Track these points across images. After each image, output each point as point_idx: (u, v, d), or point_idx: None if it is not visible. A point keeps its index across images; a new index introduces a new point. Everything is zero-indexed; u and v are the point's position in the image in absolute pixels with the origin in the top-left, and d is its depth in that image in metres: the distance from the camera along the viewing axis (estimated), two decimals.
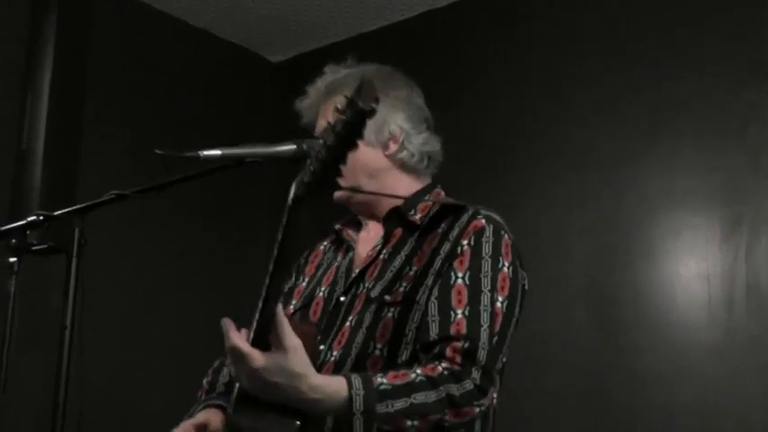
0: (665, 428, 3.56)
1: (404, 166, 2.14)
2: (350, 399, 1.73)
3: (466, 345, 1.83)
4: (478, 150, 4.19)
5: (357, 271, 2.06)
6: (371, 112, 1.49)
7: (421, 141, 2.15)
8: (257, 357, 1.69)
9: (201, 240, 4.84)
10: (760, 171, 3.58)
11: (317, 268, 2.24)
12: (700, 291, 3.63)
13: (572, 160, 4.07)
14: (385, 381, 1.78)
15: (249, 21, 4.96)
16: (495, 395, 1.94)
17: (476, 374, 1.82)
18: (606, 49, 4.10)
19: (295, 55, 5.30)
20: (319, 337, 1.97)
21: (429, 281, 1.94)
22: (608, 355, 3.78)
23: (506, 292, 1.94)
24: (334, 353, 1.96)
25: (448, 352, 1.83)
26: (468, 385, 1.81)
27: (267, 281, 1.70)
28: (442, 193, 2.18)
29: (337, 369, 1.92)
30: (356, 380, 1.76)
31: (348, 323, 1.98)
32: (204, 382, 2.27)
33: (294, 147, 2.03)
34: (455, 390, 1.79)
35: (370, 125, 2.04)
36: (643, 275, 3.78)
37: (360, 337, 1.94)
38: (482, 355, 1.84)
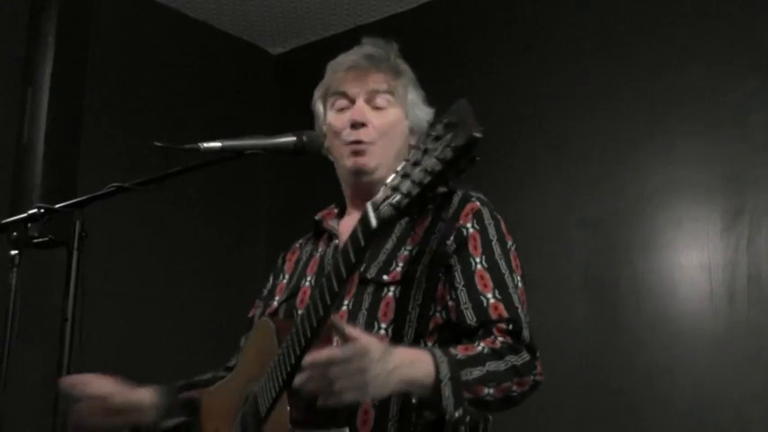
0: (667, 419, 3.56)
1: (409, 150, 2.14)
2: (436, 367, 1.74)
3: (510, 326, 1.89)
4: (479, 144, 4.18)
5: None
6: (478, 141, 1.50)
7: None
8: (372, 348, 1.66)
9: (202, 233, 4.85)
10: (760, 160, 3.58)
11: (297, 263, 2.22)
12: (701, 281, 3.63)
13: (571, 152, 4.07)
14: (458, 352, 1.81)
15: (249, 13, 4.95)
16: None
17: (525, 350, 1.87)
18: (605, 40, 4.10)
19: (295, 47, 5.30)
20: None
21: (425, 259, 1.95)
22: (609, 346, 3.78)
23: (519, 270, 2.00)
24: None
25: (496, 332, 1.88)
26: (525, 356, 1.86)
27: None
28: None
29: None
30: (435, 350, 1.78)
31: (345, 307, 1.97)
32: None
33: (294, 139, 2.03)
34: (516, 360, 1.83)
35: (421, 115, 2.11)
36: (644, 267, 3.78)
37: (361, 319, 1.94)
38: (526, 334, 1.90)
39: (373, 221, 1.59)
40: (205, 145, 1.95)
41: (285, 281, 2.22)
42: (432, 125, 1.55)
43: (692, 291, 3.65)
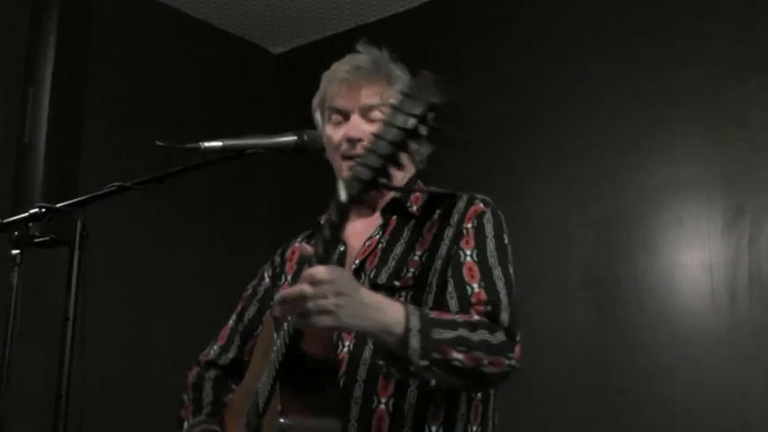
0: (668, 418, 3.56)
1: (412, 159, 2.18)
2: (406, 317, 1.75)
3: (489, 308, 1.89)
4: (479, 143, 4.19)
5: (358, 262, 2.05)
6: (435, 106, 1.51)
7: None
8: (344, 275, 1.72)
9: (203, 233, 4.85)
10: (762, 159, 3.58)
11: (300, 264, 2.22)
12: (702, 280, 3.62)
13: (572, 151, 4.07)
14: (431, 312, 1.83)
15: (250, 12, 4.95)
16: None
17: (502, 332, 1.86)
18: (605, 40, 4.09)
19: (296, 46, 5.30)
20: (337, 355, 1.98)
21: (437, 264, 1.97)
22: (610, 345, 3.78)
23: (513, 262, 2.01)
24: (347, 343, 1.96)
25: (473, 312, 1.88)
26: (501, 337, 1.85)
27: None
28: (420, 182, 2.22)
29: (353, 359, 1.94)
30: (408, 304, 1.81)
31: None
32: (185, 398, 2.25)
33: (295, 138, 2.04)
34: (490, 337, 1.83)
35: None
36: (645, 266, 3.78)
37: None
38: (505, 317, 1.89)
39: (343, 196, 1.63)
40: (206, 144, 1.95)
41: (288, 282, 2.22)
42: (394, 99, 1.57)
43: (693, 290, 3.65)
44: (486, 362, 1.80)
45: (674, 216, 3.75)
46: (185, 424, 2.18)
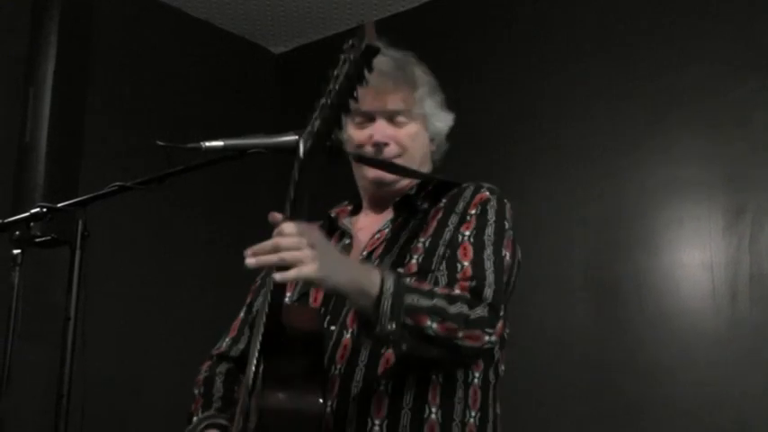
0: (669, 418, 3.56)
1: (432, 161, 2.24)
2: (382, 280, 1.76)
3: (473, 283, 1.89)
4: (479, 143, 4.19)
5: (365, 253, 2.08)
6: (377, 51, 1.55)
7: (444, 139, 2.24)
8: (316, 231, 1.74)
9: (204, 233, 4.85)
10: (762, 159, 3.58)
11: None
12: (703, 280, 3.63)
13: (572, 151, 4.07)
14: (409, 280, 1.85)
15: (251, 12, 4.96)
16: (505, 333, 2.03)
17: (483, 308, 1.86)
18: (606, 40, 4.09)
19: (297, 46, 5.30)
20: (328, 318, 2.00)
21: (440, 250, 1.98)
22: (610, 345, 3.78)
23: (510, 249, 2.03)
24: (350, 329, 1.97)
25: (456, 288, 1.89)
26: (480, 312, 1.85)
27: None
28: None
29: (356, 347, 1.95)
30: (387, 270, 1.82)
31: None
32: (196, 393, 2.25)
33: (296, 137, 2.03)
34: (467, 311, 1.83)
35: (440, 123, 2.16)
36: (645, 265, 3.78)
37: None
38: (488, 293, 1.89)
39: (300, 152, 1.71)
40: (207, 144, 1.95)
41: None
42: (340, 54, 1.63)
43: (693, 289, 3.65)
44: (461, 335, 1.81)
45: (674, 216, 3.75)
46: (194, 419, 2.19)
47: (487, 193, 2.07)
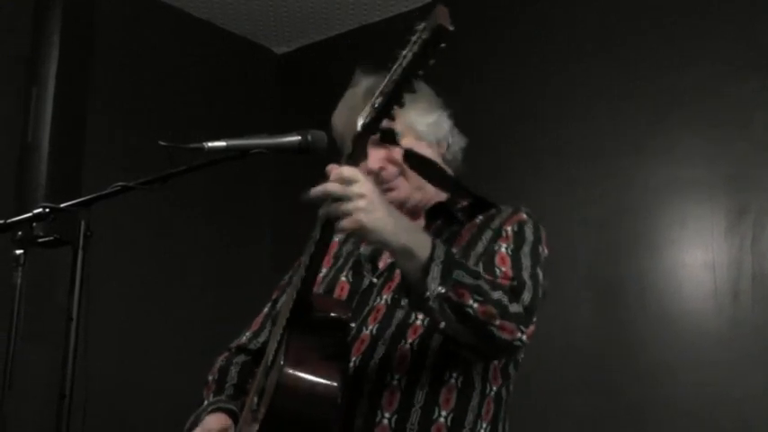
0: (671, 418, 3.56)
1: (446, 163, 2.22)
2: (433, 246, 1.75)
3: (513, 283, 1.88)
4: (482, 143, 4.18)
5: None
6: (448, 33, 1.60)
7: (458, 140, 2.25)
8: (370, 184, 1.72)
9: (206, 233, 4.85)
10: (765, 159, 3.58)
11: (336, 258, 2.24)
12: (705, 280, 3.63)
13: (574, 152, 4.07)
14: (458, 256, 1.83)
15: (253, 12, 4.96)
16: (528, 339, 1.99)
17: (520, 306, 1.84)
18: (607, 40, 4.09)
19: (299, 46, 5.30)
20: (350, 314, 1.99)
21: (472, 261, 1.97)
22: (612, 344, 3.79)
23: (544, 270, 2.01)
24: (370, 326, 1.98)
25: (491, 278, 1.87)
26: (517, 308, 1.83)
27: (314, 245, 1.76)
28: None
29: (374, 342, 1.96)
30: (437, 240, 1.79)
31: (383, 301, 2.01)
32: (209, 379, 2.28)
33: (299, 138, 2.04)
34: (508, 303, 1.81)
35: (429, 124, 2.14)
36: (648, 266, 3.78)
37: (400, 313, 1.97)
38: (527, 296, 1.88)
39: (358, 126, 1.70)
40: (209, 144, 1.95)
41: (322, 274, 2.22)
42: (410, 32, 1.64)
43: (696, 289, 3.65)
44: (497, 322, 1.78)
45: (676, 216, 3.75)
46: (205, 402, 2.20)
47: (525, 215, 2.08)
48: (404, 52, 1.62)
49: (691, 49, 3.83)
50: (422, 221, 2.15)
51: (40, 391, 3.42)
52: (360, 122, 1.69)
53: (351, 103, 2.11)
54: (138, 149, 4.14)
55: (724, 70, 3.72)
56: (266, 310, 2.35)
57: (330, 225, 1.73)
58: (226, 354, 2.32)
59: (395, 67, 1.62)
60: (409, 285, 1.79)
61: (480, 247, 2.01)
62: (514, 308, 1.82)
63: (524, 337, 1.84)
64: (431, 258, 1.73)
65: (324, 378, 1.76)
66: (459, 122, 2.24)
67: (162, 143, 1.93)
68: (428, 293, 1.73)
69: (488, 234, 2.03)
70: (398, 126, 2.06)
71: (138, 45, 4.70)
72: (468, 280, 1.76)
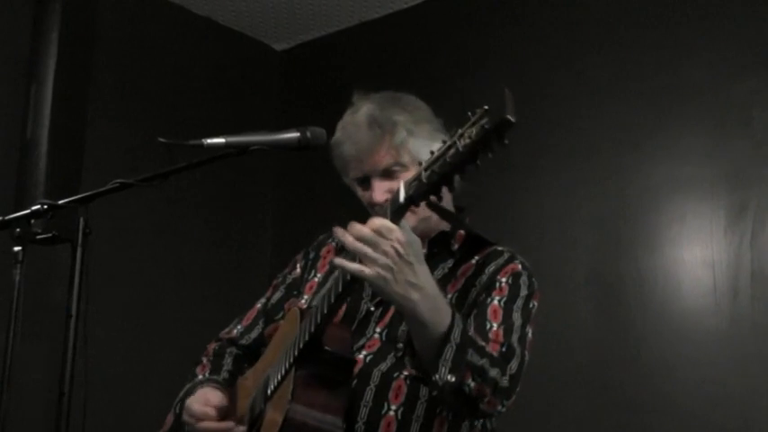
0: (670, 416, 3.56)
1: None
2: (451, 325, 1.75)
3: (504, 348, 1.88)
4: None
5: None
6: (511, 125, 1.57)
7: None
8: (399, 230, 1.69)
9: (206, 230, 4.85)
10: (764, 157, 3.57)
11: (332, 266, 2.22)
12: (705, 278, 3.62)
13: (575, 149, 4.06)
14: (471, 331, 1.83)
15: (253, 9, 4.95)
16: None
17: (507, 379, 1.85)
18: (608, 38, 4.09)
19: (300, 43, 5.29)
20: (354, 351, 2.00)
21: (465, 310, 1.97)
22: (612, 342, 3.78)
23: (533, 327, 2.00)
24: (363, 352, 1.98)
25: (489, 347, 1.87)
26: (505, 383, 1.84)
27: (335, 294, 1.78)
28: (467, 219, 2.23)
29: (368, 367, 1.96)
30: (457, 314, 1.79)
31: (377, 335, 2.01)
32: (203, 360, 2.29)
33: (298, 135, 2.04)
34: (500, 379, 1.82)
35: (422, 154, 2.03)
36: (648, 263, 3.78)
37: (393, 352, 1.97)
38: (514, 364, 1.88)
39: (401, 197, 1.67)
40: (209, 141, 1.95)
41: (317, 279, 2.23)
42: (470, 112, 1.61)
43: (695, 287, 3.65)
44: (486, 399, 1.81)
45: (676, 214, 3.75)
46: (200, 376, 2.21)
47: (520, 266, 2.06)
48: (461, 131, 1.59)
49: (691, 48, 3.83)
50: (424, 250, 2.14)
51: (40, 388, 3.43)
52: (402, 194, 1.68)
53: (356, 138, 2.07)
54: (138, 146, 4.14)
55: (725, 68, 3.72)
56: (259, 306, 2.35)
57: (356, 282, 1.75)
58: (218, 342, 2.34)
59: (449, 143, 1.59)
60: (417, 350, 1.80)
61: (473, 295, 2.00)
62: (503, 382, 1.83)
63: (503, 410, 1.88)
64: (446, 340, 1.74)
65: (330, 414, 1.82)
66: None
67: (161, 140, 1.93)
68: (437, 377, 1.75)
69: (482, 279, 2.02)
70: (403, 155, 2.05)
71: (138, 42, 4.70)
72: (475, 360, 1.77)
